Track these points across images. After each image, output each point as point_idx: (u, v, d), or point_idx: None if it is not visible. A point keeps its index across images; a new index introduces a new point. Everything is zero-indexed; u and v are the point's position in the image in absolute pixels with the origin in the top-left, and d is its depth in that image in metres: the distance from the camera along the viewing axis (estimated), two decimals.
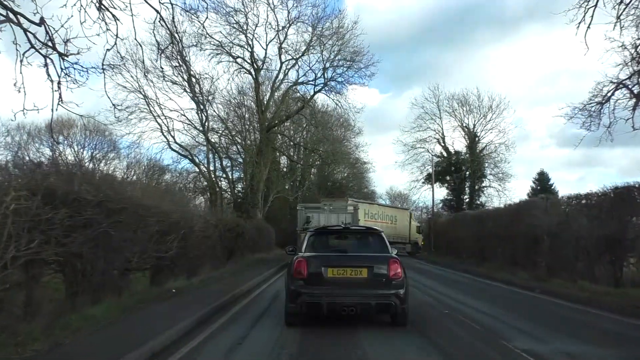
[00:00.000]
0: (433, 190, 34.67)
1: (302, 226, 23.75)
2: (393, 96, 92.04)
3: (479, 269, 19.00)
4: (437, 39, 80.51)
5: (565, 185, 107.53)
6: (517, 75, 76.97)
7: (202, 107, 26.10)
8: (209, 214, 18.40)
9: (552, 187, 49.08)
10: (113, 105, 9.00)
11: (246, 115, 28.33)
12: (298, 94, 27.23)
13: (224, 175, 29.60)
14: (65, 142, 41.63)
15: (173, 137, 26.98)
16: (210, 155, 28.19)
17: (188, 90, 25.52)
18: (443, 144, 44.60)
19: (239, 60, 26.16)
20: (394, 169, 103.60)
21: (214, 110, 27.70)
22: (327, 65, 25.06)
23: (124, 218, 8.84)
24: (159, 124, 25.96)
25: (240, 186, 32.06)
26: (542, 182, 48.03)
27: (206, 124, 26.83)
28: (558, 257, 14.00)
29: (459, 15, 77.89)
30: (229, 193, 31.00)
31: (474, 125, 43.71)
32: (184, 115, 26.55)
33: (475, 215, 23.25)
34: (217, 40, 24.79)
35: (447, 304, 10.46)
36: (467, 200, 42.81)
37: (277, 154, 35.12)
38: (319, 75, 26.09)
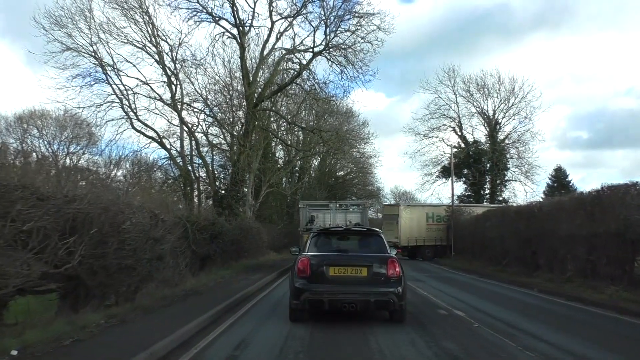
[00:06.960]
0: (452, 183, 29.44)
1: (305, 226, 21.41)
2: (400, 100, 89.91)
3: (533, 281, 14.46)
4: (444, 45, 79.58)
5: None
6: (521, 80, 73.68)
7: (170, 72, 20.89)
8: (163, 208, 13.48)
9: (571, 184, 46.78)
10: None
11: (231, 92, 22.97)
12: (296, 63, 21.69)
13: (202, 164, 24.01)
14: (38, 133, 37.30)
15: (136, 114, 21.64)
16: (186, 140, 22.86)
17: (152, 52, 20.33)
18: (460, 133, 39.78)
19: (220, 21, 21.02)
20: (404, 162, 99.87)
21: (190, 84, 22.43)
22: (332, 18, 19.70)
23: None
24: (119, 98, 20.69)
25: (224, 177, 26.81)
26: (559, 179, 45.66)
27: (177, 90, 21.54)
28: None
29: (466, 24, 77.40)
30: (209, 185, 25.26)
31: (494, 111, 38.90)
32: (147, 84, 21.21)
33: (521, 210, 18.25)
34: None
35: None
36: (488, 195, 37.80)
37: (273, 142, 30.13)
38: (319, 39, 21.07)
